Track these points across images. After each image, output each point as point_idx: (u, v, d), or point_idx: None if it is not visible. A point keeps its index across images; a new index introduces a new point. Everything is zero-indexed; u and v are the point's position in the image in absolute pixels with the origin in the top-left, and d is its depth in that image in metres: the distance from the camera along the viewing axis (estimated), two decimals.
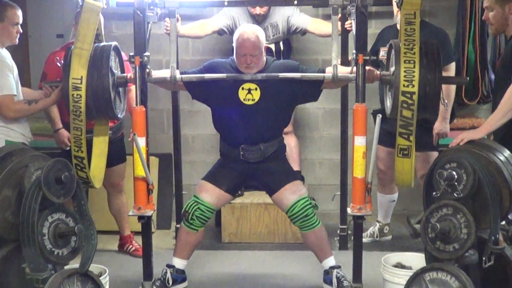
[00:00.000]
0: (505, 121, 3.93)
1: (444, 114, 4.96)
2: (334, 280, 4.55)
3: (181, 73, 4.43)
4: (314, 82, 4.41)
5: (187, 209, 4.54)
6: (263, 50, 4.39)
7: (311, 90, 4.48)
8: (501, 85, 4.12)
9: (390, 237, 5.69)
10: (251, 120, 4.46)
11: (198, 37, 5.63)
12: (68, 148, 4.93)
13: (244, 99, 4.41)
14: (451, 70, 5.01)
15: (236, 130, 4.52)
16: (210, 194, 4.55)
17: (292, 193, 4.52)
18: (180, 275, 4.68)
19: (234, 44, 4.40)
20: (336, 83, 4.33)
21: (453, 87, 5.02)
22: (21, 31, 4.57)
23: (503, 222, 3.67)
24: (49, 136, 5.09)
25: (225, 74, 4.37)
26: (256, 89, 4.40)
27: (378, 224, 5.67)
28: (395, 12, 5.10)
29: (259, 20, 5.34)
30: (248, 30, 4.41)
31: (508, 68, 4.12)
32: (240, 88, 4.40)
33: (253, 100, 4.42)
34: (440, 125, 5.03)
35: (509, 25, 4.21)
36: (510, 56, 4.16)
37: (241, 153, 4.52)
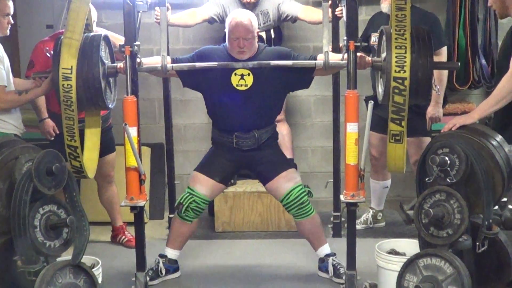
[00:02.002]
0: (498, 108, 3.91)
1: (437, 99, 4.95)
2: (330, 268, 4.57)
3: (172, 59, 4.41)
4: (306, 69, 4.39)
5: (181, 201, 4.52)
6: (256, 35, 4.38)
7: (303, 77, 4.46)
8: (502, 71, 4.08)
9: (383, 223, 5.70)
10: (245, 106, 4.44)
11: (188, 26, 5.61)
12: (53, 138, 4.92)
13: (237, 85, 4.39)
14: (442, 54, 5.00)
15: (230, 117, 4.50)
16: (204, 186, 4.54)
17: (287, 181, 4.51)
18: (172, 265, 4.69)
19: (226, 29, 4.38)
20: (327, 70, 4.31)
21: (445, 72, 5.02)
22: (12, 22, 4.53)
23: (496, 207, 3.67)
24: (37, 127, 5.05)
25: (216, 63, 4.34)
26: (248, 74, 4.37)
27: (371, 211, 5.67)
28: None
29: (249, 8, 5.31)
30: (241, 14, 4.40)
31: (507, 54, 4.08)
32: (233, 74, 4.38)
33: (246, 85, 4.39)
34: (433, 110, 5.02)
35: (509, 7, 4.15)
36: (510, 41, 4.13)
37: (235, 140, 4.50)
